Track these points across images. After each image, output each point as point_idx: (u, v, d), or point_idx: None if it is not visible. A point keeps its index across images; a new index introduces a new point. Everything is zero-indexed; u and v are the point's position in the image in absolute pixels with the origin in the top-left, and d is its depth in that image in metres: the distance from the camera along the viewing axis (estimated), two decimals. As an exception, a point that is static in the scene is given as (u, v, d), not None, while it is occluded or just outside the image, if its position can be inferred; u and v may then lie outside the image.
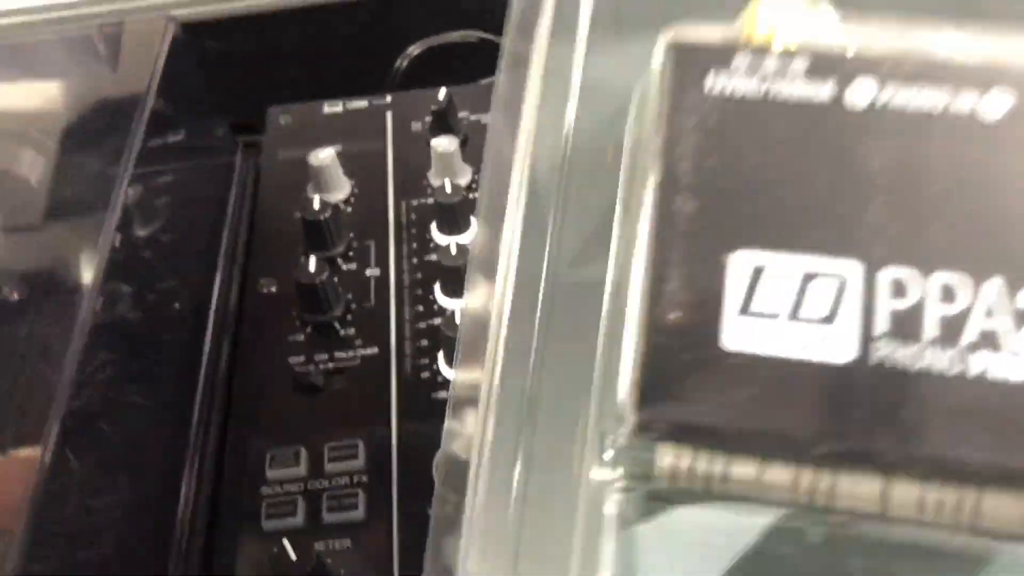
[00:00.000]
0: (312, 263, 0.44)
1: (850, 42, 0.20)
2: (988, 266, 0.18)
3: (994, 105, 0.18)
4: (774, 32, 0.20)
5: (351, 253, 0.47)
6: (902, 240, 0.18)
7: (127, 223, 0.45)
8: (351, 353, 0.44)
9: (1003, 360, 0.18)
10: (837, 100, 0.19)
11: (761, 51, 0.20)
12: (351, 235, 0.48)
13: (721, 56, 0.20)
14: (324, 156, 0.49)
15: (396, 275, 0.46)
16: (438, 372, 0.43)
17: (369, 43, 0.59)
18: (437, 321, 0.44)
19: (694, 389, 0.19)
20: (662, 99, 0.20)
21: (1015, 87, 0.19)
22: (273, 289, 0.47)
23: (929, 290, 0.18)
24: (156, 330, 0.44)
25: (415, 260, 0.47)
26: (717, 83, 0.20)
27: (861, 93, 0.19)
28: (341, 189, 0.50)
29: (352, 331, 0.44)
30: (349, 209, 0.49)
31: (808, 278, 0.19)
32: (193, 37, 0.55)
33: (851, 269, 0.18)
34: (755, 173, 0.19)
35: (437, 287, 0.45)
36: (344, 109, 0.54)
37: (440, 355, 0.43)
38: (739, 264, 0.19)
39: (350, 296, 0.46)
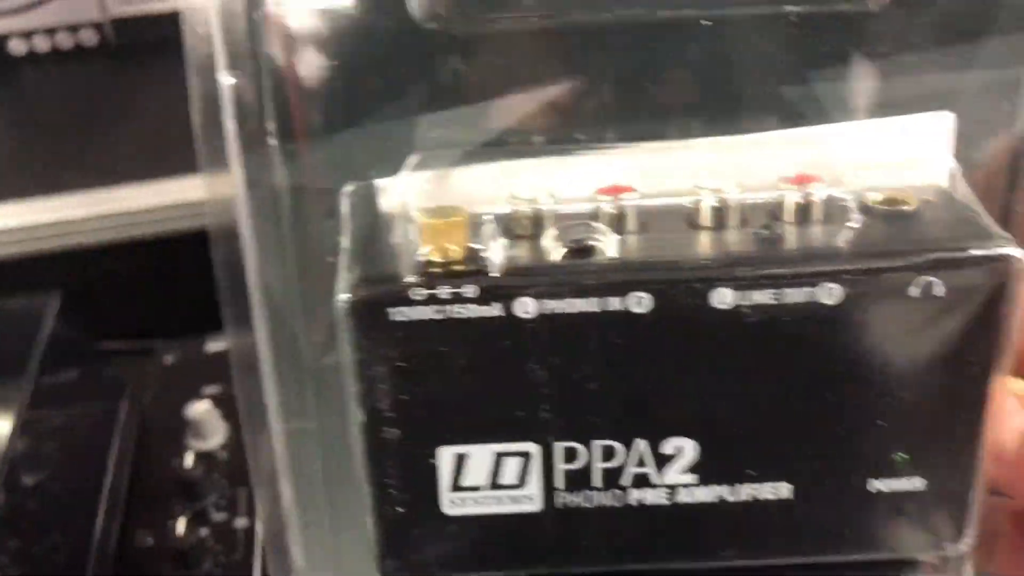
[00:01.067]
0: (181, 525, 0.48)
1: (517, 258, 0.24)
2: (633, 433, 0.25)
3: (638, 305, 0.23)
4: (446, 258, 0.23)
5: (223, 501, 0.51)
6: (568, 424, 0.25)
7: (13, 476, 0.48)
8: (219, 612, 0.47)
9: (651, 492, 0.25)
10: (508, 315, 0.24)
11: (435, 281, 0.23)
12: (224, 482, 0.51)
13: (400, 294, 0.23)
14: (200, 409, 0.53)
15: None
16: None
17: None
18: None
19: (426, 545, 0.26)
20: (351, 349, 0.24)
21: (653, 293, 0.23)
22: (149, 542, 0.50)
23: (593, 454, 0.25)
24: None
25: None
26: (400, 316, 0.23)
27: (524, 309, 0.24)
28: (217, 435, 0.53)
29: (219, 588, 0.48)
30: (225, 454, 0.53)
31: (500, 456, 0.25)
32: (94, 263, 0.59)
33: (532, 448, 0.25)
34: (447, 389, 0.24)
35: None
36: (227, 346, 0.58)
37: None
38: (445, 456, 0.25)
39: (220, 548, 0.49)
